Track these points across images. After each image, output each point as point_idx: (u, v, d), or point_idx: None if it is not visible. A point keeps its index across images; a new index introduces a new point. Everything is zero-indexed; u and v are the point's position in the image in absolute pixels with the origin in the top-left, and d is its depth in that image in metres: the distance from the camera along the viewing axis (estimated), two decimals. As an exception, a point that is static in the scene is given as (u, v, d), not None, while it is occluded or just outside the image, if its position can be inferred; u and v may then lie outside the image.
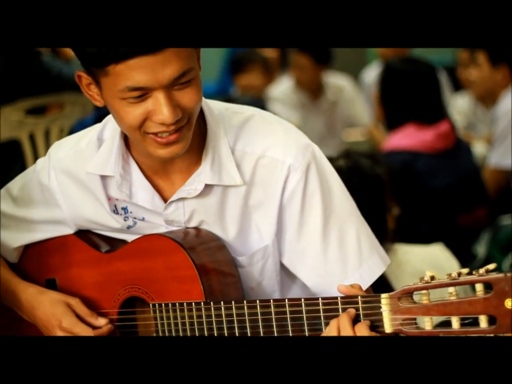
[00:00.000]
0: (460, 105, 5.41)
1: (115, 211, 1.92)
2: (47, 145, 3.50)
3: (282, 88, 5.74)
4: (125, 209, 1.91)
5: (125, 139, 1.87)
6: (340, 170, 2.17)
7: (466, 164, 3.81)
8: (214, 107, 1.88)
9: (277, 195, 1.84)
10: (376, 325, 1.61)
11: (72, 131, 3.40)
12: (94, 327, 1.90)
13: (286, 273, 1.93)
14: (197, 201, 1.86)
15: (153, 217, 1.90)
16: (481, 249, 3.61)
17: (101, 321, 1.90)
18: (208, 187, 1.84)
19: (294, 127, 1.92)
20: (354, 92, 5.76)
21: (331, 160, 1.95)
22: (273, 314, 1.73)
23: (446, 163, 3.70)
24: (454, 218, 3.71)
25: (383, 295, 1.60)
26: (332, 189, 1.86)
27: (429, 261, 2.64)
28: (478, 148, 4.85)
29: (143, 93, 1.69)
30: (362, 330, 1.62)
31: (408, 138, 3.71)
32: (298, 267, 1.88)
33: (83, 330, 1.88)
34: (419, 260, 2.63)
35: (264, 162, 1.83)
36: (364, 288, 1.79)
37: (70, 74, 1.82)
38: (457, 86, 5.40)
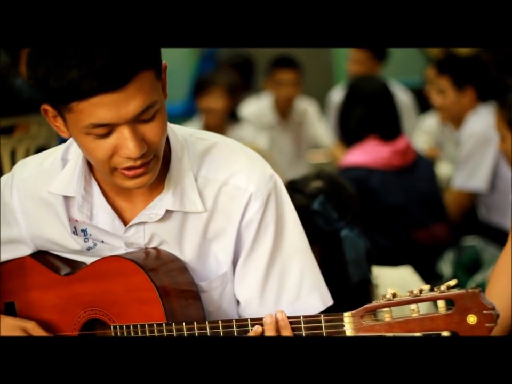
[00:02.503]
0: (427, 125, 5.43)
1: (74, 232, 1.90)
2: (13, 166, 3.47)
3: (252, 109, 5.78)
4: (84, 231, 1.90)
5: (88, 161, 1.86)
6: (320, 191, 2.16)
7: (424, 181, 3.82)
8: (178, 132, 1.87)
9: (236, 222, 1.84)
10: (339, 343, 1.60)
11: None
12: None
13: None
14: (158, 225, 1.85)
15: (113, 239, 1.88)
16: (446, 268, 3.62)
17: None
18: (169, 212, 1.84)
19: (258, 156, 1.92)
20: (317, 114, 5.82)
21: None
22: (235, 334, 1.72)
23: (402, 180, 3.72)
24: (409, 235, 3.72)
25: (346, 314, 1.60)
26: (286, 222, 1.87)
27: (399, 284, 2.63)
28: (444, 169, 4.87)
29: (108, 130, 1.68)
30: None
31: (365, 154, 3.75)
32: (238, 291, 1.88)
33: None
34: (390, 284, 2.62)
35: (226, 190, 1.84)
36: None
37: (41, 99, 1.81)
38: (425, 107, 5.42)
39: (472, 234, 3.88)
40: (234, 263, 1.87)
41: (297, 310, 1.83)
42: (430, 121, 5.37)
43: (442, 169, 4.95)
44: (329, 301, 1.89)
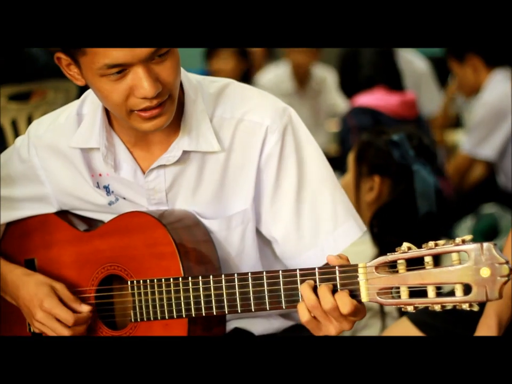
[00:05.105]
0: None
1: (97, 187, 1.92)
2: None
3: (270, 76, 5.77)
4: (106, 187, 1.92)
5: (107, 112, 1.88)
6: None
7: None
8: (192, 77, 1.89)
9: (255, 158, 1.85)
10: (353, 294, 1.61)
11: None
12: (74, 311, 1.87)
13: (263, 242, 1.93)
14: (177, 169, 1.87)
15: (135, 195, 1.90)
16: (463, 235, 3.61)
17: (84, 308, 1.88)
18: (187, 154, 1.85)
19: (270, 94, 1.93)
20: (335, 82, 5.78)
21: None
22: (250, 287, 1.71)
23: None
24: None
25: (360, 264, 1.60)
26: (307, 152, 1.87)
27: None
28: (462, 138, 4.85)
29: (122, 69, 1.69)
30: (343, 298, 1.60)
31: (375, 99, 3.87)
32: (273, 231, 1.88)
33: (63, 313, 1.86)
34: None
35: (243, 126, 1.85)
36: (338, 252, 1.78)
37: (57, 65, 1.82)
38: (445, 75, 5.39)
39: (490, 201, 3.88)
40: (256, 201, 1.87)
41: (337, 239, 1.85)
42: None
43: (461, 138, 4.94)
44: (364, 226, 1.91)
